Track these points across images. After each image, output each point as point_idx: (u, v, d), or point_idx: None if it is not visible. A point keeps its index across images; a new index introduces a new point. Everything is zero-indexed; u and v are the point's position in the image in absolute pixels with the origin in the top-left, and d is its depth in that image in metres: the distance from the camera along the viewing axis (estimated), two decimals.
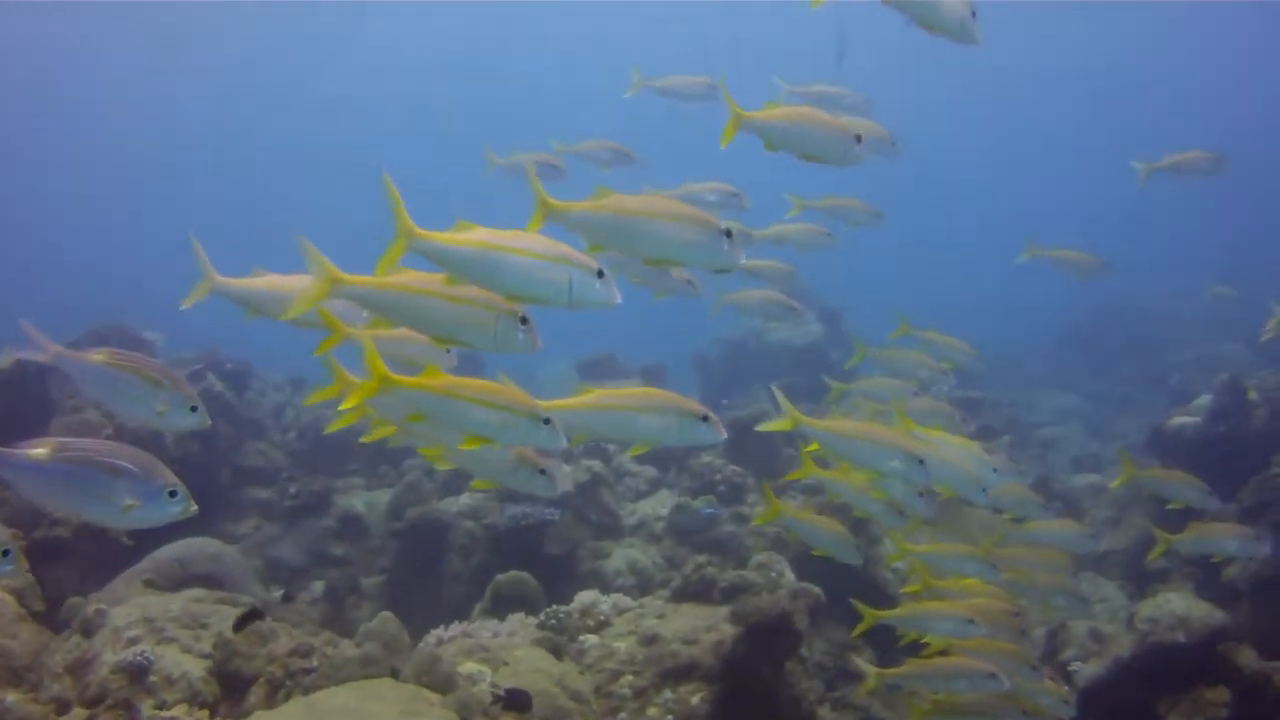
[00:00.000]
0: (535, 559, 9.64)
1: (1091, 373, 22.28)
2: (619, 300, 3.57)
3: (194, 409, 3.92)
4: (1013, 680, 5.47)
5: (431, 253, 3.52)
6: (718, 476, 10.50)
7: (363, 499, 11.84)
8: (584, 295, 3.50)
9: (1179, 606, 8.28)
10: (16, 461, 3.21)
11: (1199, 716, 7.94)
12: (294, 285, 4.24)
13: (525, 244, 3.49)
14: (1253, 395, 10.94)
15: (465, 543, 10.24)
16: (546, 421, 3.77)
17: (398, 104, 49.39)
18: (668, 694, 7.00)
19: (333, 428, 4.27)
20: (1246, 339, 17.62)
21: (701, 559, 8.31)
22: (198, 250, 4.31)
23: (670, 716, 6.88)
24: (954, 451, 5.36)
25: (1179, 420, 11.29)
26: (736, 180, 7.30)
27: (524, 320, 3.58)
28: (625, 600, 7.95)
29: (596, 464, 10.50)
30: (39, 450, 3.23)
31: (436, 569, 10.28)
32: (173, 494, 3.33)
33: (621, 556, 9.59)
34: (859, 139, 4.80)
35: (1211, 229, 37.29)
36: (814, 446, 5.14)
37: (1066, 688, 6.06)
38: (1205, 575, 9.60)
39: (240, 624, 6.90)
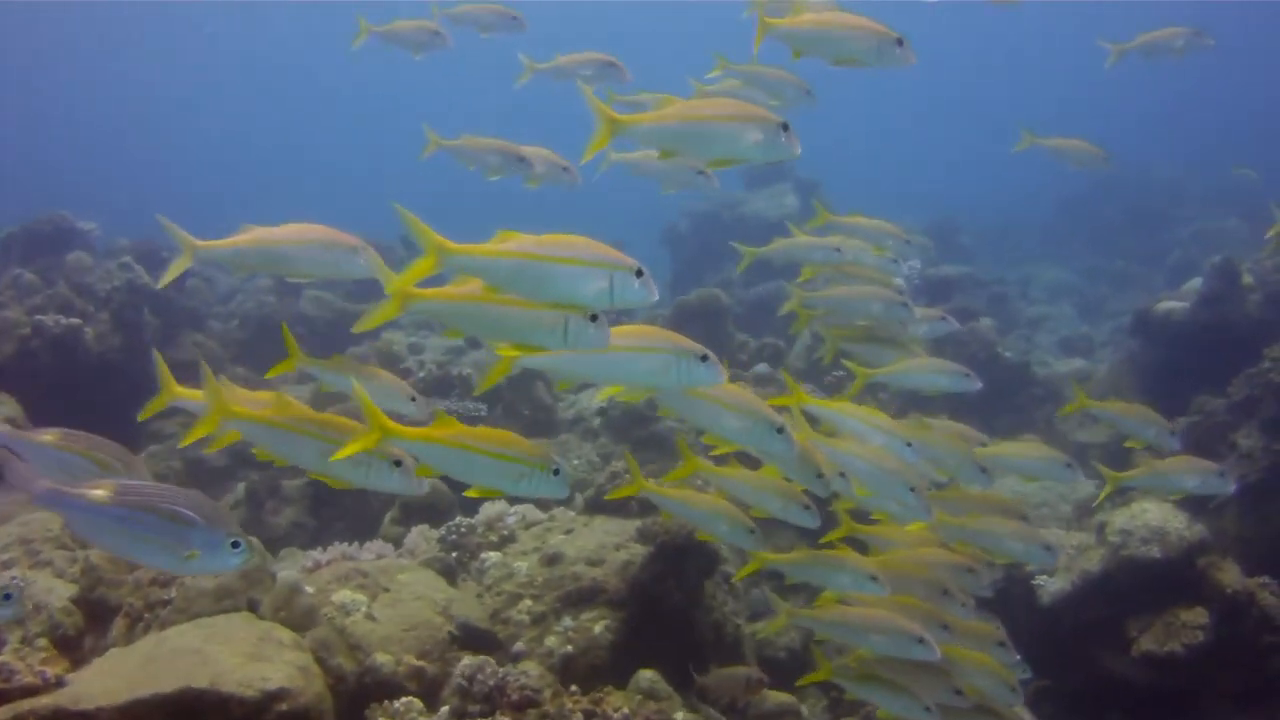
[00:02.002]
0: None
1: (1089, 247, 21.36)
2: (656, 296, 3.51)
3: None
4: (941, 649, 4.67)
5: (469, 268, 3.40)
6: None
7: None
8: (624, 296, 3.42)
9: (1154, 518, 7.45)
10: (75, 502, 3.13)
11: (1173, 640, 7.18)
12: (284, 236, 4.20)
13: (565, 252, 3.39)
14: (1247, 279, 9.96)
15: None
16: (556, 472, 3.68)
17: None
18: (567, 621, 6.22)
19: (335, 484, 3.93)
20: (1251, 214, 16.59)
21: (618, 465, 7.46)
22: (168, 226, 4.22)
23: (569, 646, 6.11)
24: (872, 447, 4.77)
25: (1166, 305, 10.34)
26: None
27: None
28: (535, 512, 7.12)
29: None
30: (99, 492, 3.15)
31: None
32: (235, 545, 3.18)
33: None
34: (900, 41, 4.62)
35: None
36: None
37: (999, 635, 5.19)
38: None
39: None
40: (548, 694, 5.11)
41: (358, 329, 3.71)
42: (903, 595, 4.87)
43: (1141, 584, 7.39)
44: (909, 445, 4.81)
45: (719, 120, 4.08)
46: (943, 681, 4.84)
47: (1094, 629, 7.60)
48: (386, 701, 5.29)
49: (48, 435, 3.83)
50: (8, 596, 3.31)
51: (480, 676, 5.19)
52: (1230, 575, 7.30)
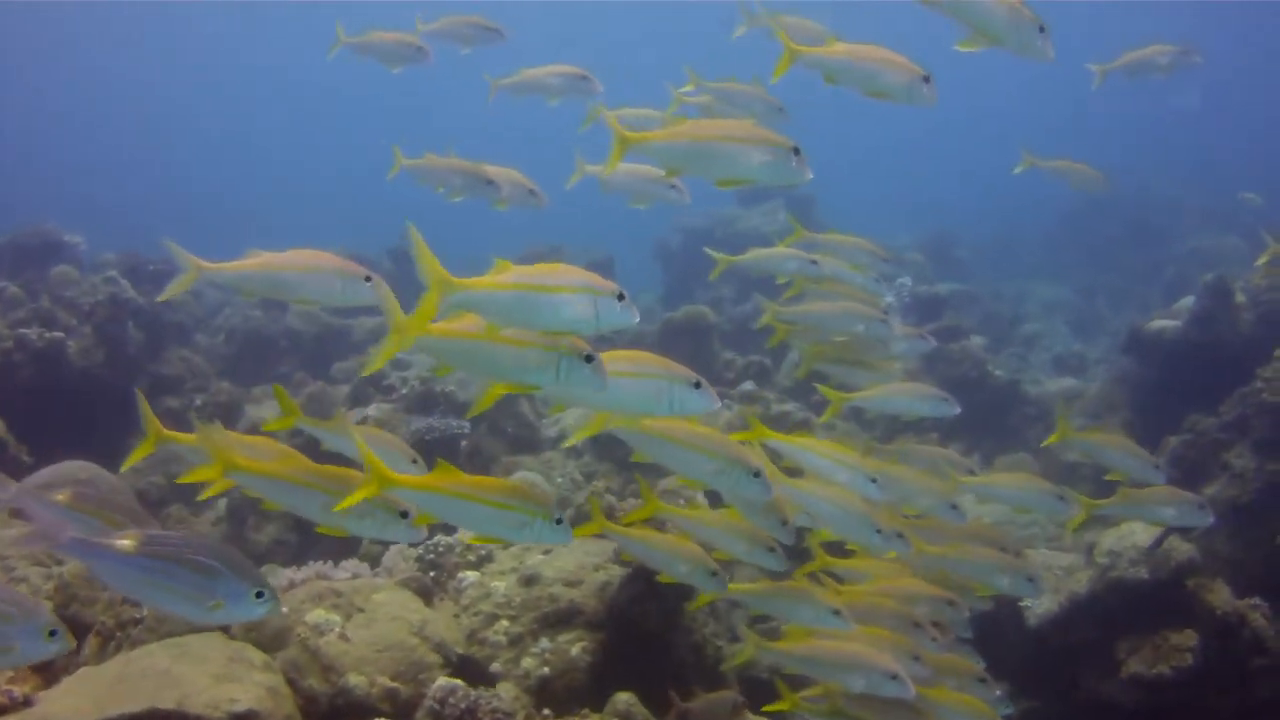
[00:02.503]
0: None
1: (1087, 262, 21.29)
2: (638, 319, 3.60)
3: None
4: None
5: (470, 303, 3.44)
6: None
7: (277, 410, 10.87)
8: (609, 320, 3.49)
9: (1143, 539, 7.35)
10: (101, 552, 3.17)
11: (1162, 662, 7.07)
12: (291, 263, 4.22)
13: (553, 280, 3.48)
14: (1240, 298, 9.86)
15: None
16: (559, 521, 3.70)
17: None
18: (545, 643, 6.11)
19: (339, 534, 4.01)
20: (1251, 234, 16.54)
21: (600, 485, 7.37)
22: (174, 248, 4.22)
23: (546, 668, 6.01)
24: (836, 487, 4.64)
25: (1159, 323, 10.23)
26: None
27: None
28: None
29: None
30: (125, 542, 3.19)
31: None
32: (259, 594, 3.23)
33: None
34: (927, 79, 4.60)
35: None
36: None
37: (978, 671, 5.05)
38: None
39: None
40: (521, 717, 5.01)
41: (365, 373, 4.01)
42: (875, 628, 4.74)
43: (1130, 606, 7.30)
44: (873, 482, 4.65)
45: (729, 141, 4.15)
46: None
47: (1082, 651, 7.49)
48: None
49: (60, 495, 3.88)
50: (53, 633, 3.14)
51: (452, 700, 5.08)
52: (1220, 596, 7.20)
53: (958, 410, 5.69)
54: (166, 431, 4.21)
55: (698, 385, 3.73)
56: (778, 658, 4.78)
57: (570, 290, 3.47)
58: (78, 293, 11.68)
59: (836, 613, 4.58)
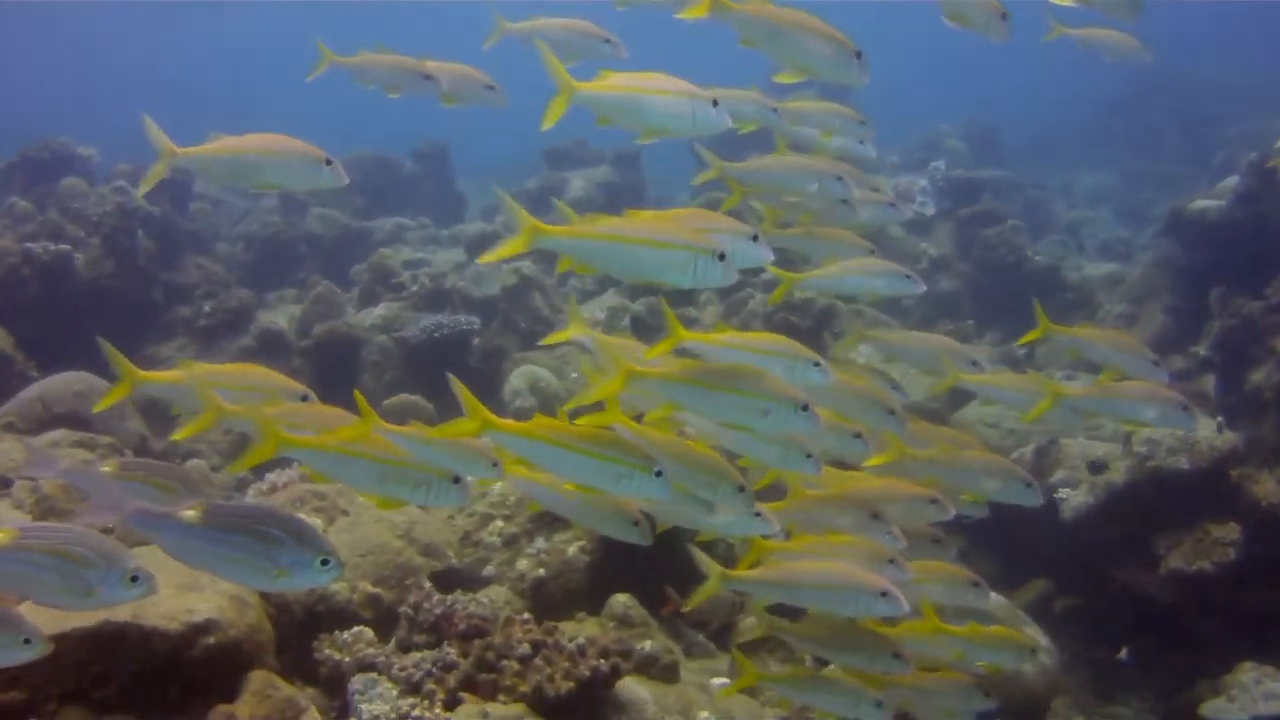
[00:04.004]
0: (455, 373, 8.40)
1: (1132, 150, 20.50)
2: (736, 277, 3.64)
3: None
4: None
5: (561, 248, 3.57)
6: None
7: (289, 313, 10.64)
8: (706, 276, 3.54)
9: None
10: (167, 524, 3.19)
11: (1203, 558, 6.65)
12: (255, 145, 4.25)
13: (644, 231, 3.52)
14: None
15: (378, 359, 9.12)
16: (659, 474, 3.55)
17: None
18: (540, 543, 5.82)
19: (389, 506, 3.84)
20: None
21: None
22: (150, 126, 4.17)
23: (541, 570, 5.72)
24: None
25: (1201, 203, 9.60)
26: None
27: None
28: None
29: (526, 265, 9.14)
30: (191, 513, 3.19)
31: (352, 390, 9.16)
32: (325, 562, 3.21)
33: (522, 374, 8.27)
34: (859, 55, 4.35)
35: None
36: None
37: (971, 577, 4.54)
38: (1225, 383, 8.17)
39: None
40: (500, 622, 4.72)
41: (483, 260, 3.85)
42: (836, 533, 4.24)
43: (1169, 497, 6.88)
44: (804, 410, 3.76)
45: (650, 94, 4.04)
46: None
47: (1119, 546, 7.09)
48: (337, 631, 4.94)
49: (107, 466, 3.86)
50: (28, 641, 3.17)
51: (426, 605, 4.80)
52: (1266, 487, 6.76)
53: (922, 288, 4.95)
54: (142, 374, 4.14)
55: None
56: (748, 587, 4.20)
57: (660, 240, 3.51)
58: (86, 204, 11.44)
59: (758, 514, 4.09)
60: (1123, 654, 7.30)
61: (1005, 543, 8.03)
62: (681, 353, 3.81)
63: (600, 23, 4.94)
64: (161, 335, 10.75)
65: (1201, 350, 8.47)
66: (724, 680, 5.29)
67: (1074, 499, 7.26)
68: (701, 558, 4.19)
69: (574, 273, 10.16)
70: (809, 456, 3.87)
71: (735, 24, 4.30)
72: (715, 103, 3.97)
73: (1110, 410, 4.82)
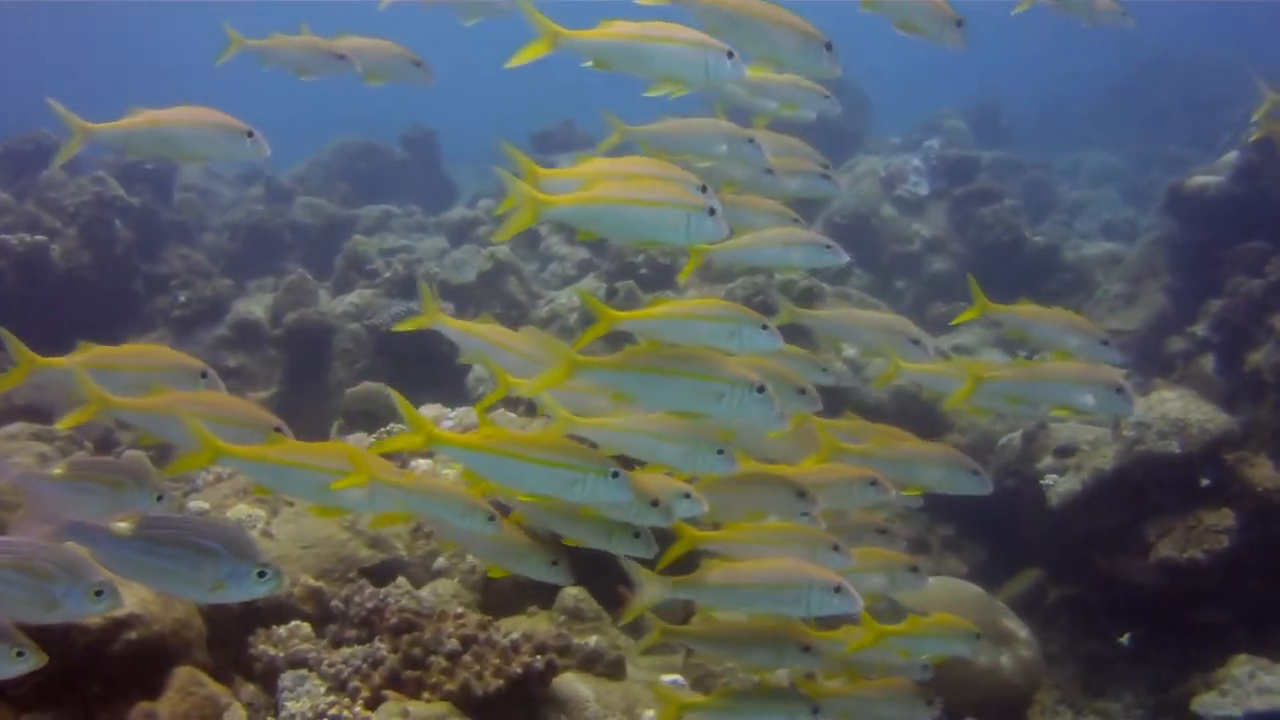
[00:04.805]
0: (427, 361, 8.26)
1: (1140, 131, 20.20)
2: (728, 232, 3.63)
3: (159, 498, 3.73)
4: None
5: (563, 217, 3.57)
6: (639, 258, 8.79)
7: (267, 303, 10.46)
8: (699, 232, 3.52)
9: (1174, 409, 6.59)
10: (100, 536, 3.15)
11: (1194, 546, 6.36)
12: (172, 118, 4.19)
13: (638, 192, 3.51)
14: None
15: (349, 347, 8.94)
16: (615, 475, 3.42)
17: None
18: None
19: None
20: None
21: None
22: (57, 108, 4.15)
23: None
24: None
25: (1200, 179, 9.28)
26: None
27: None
28: (474, 415, 6.46)
29: (501, 251, 8.90)
30: (124, 526, 3.16)
31: (324, 379, 8.99)
32: (261, 574, 3.16)
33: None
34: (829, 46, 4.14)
35: None
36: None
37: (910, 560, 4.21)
38: (1224, 364, 7.87)
39: None
40: (435, 616, 4.49)
41: (496, 239, 4.32)
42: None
43: (1160, 482, 6.59)
44: (759, 392, 3.54)
45: (657, 42, 3.90)
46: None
47: (1108, 534, 6.82)
48: (275, 626, 4.73)
49: (58, 469, 3.79)
50: (21, 653, 3.08)
51: (358, 599, 4.58)
52: (1262, 472, 6.46)
53: (844, 260, 4.52)
54: (41, 360, 4.00)
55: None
56: (688, 594, 3.83)
57: (655, 200, 3.49)
58: (64, 194, 11.30)
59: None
60: (1124, 639, 7.01)
61: (994, 531, 7.79)
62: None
63: (552, 13, 4.46)
64: (142, 326, 10.62)
65: (1199, 330, 8.16)
66: (676, 678, 5.02)
67: (1060, 485, 7.00)
68: (634, 567, 3.82)
69: (555, 257, 10.16)
70: (720, 452, 3.60)
71: (699, 13, 4.09)
72: (730, 54, 3.82)
73: (1036, 394, 4.30)
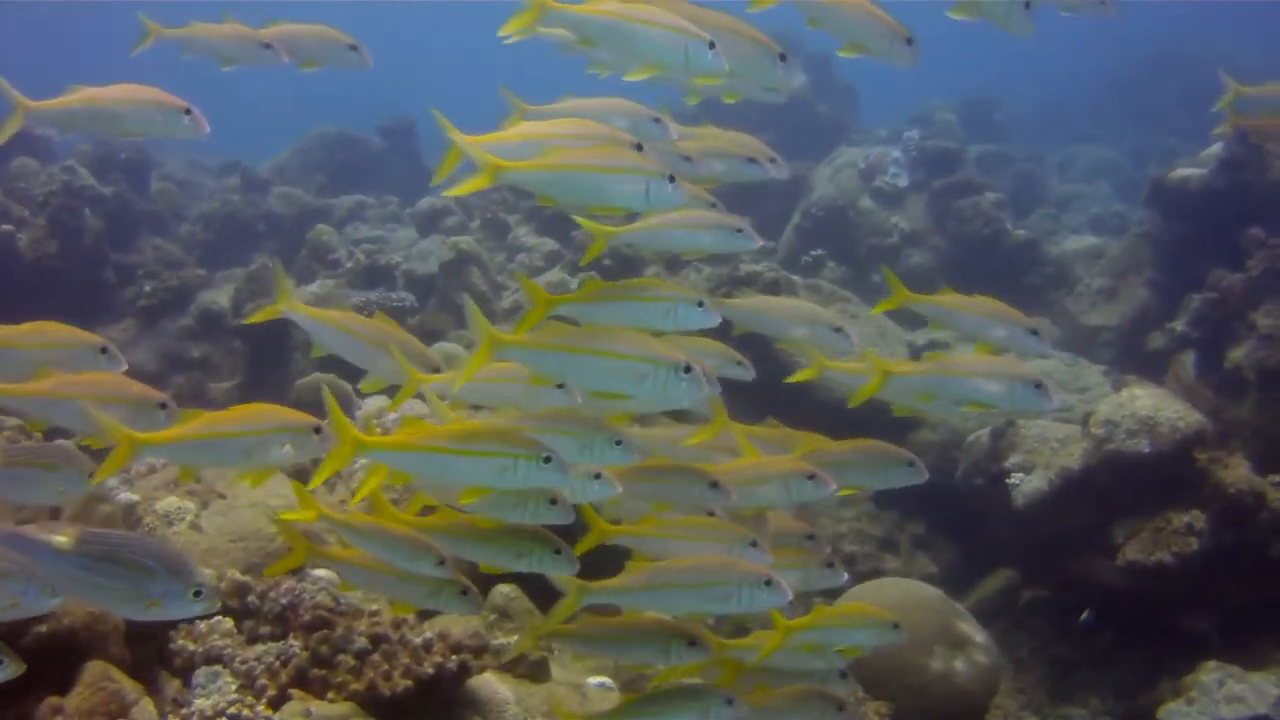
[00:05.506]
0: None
1: (1139, 126, 20.23)
2: (685, 202, 3.66)
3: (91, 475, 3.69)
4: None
5: (521, 181, 3.56)
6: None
7: (232, 293, 10.30)
8: (659, 198, 3.54)
9: (1144, 406, 6.38)
10: (38, 549, 3.11)
11: (1162, 548, 6.16)
12: (110, 96, 4.23)
13: (595, 159, 3.52)
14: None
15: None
16: (547, 460, 3.25)
17: None
18: None
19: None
20: None
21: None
22: (2, 84, 4.17)
23: None
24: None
25: (1183, 172, 9.05)
26: None
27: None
28: (423, 407, 6.27)
29: (464, 241, 8.71)
30: (62, 539, 3.11)
31: (285, 369, 8.82)
32: (197, 594, 3.13)
33: (436, 353, 7.84)
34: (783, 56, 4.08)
35: None
36: None
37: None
38: (1204, 361, 7.67)
39: None
40: (349, 614, 4.31)
41: (445, 194, 4.06)
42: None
43: (1128, 483, 6.38)
44: (686, 373, 3.42)
45: (641, 24, 3.81)
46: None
47: (1075, 535, 6.62)
48: (198, 621, 4.56)
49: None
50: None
51: (273, 595, 4.39)
52: (1235, 472, 6.26)
53: (756, 244, 4.26)
54: None
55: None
56: (612, 599, 3.65)
57: (621, 171, 3.49)
58: (34, 184, 11.17)
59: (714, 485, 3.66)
60: (1085, 616, 6.82)
61: (965, 530, 7.62)
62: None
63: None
64: (113, 317, 10.50)
65: (1179, 326, 7.97)
66: (603, 680, 4.81)
67: (1026, 485, 6.79)
68: (555, 573, 3.61)
69: (523, 248, 9.96)
70: (619, 444, 3.42)
71: None
72: (712, 45, 3.71)
73: (948, 390, 4.00)
